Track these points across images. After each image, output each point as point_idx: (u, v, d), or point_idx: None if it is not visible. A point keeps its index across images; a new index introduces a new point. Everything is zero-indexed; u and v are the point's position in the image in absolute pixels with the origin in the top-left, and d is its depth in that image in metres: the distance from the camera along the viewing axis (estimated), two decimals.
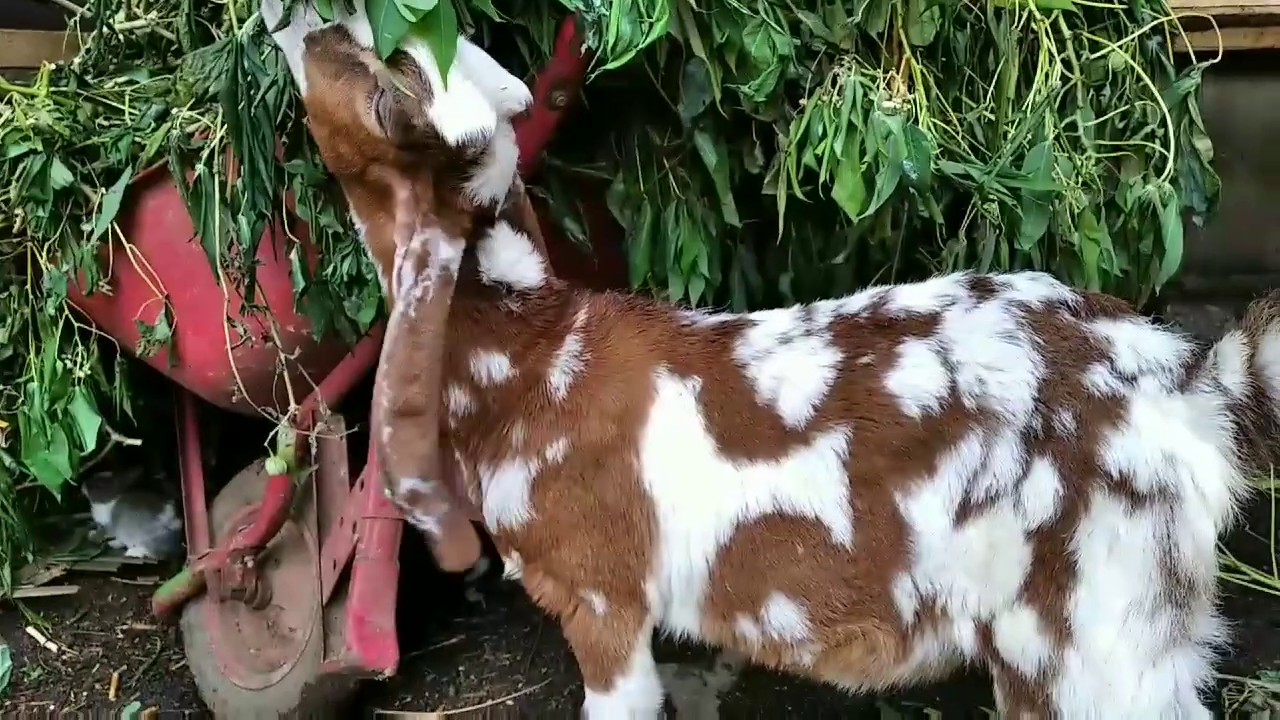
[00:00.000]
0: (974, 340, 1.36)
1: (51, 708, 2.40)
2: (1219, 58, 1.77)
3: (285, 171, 1.68)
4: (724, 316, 1.58)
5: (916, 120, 1.46)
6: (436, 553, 1.41)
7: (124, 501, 2.76)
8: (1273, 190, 2.75)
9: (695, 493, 1.48)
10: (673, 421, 1.48)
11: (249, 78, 1.59)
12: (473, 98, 1.33)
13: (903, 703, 2.03)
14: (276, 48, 1.52)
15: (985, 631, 1.38)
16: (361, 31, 1.34)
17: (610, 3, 1.45)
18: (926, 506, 1.37)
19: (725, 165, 1.67)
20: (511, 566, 1.65)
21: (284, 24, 1.38)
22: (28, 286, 2.10)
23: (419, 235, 1.36)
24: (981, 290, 1.41)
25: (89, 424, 2.07)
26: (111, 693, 2.43)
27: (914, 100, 1.47)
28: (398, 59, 1.32)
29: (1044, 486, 1.32)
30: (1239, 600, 2.06)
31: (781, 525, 1.43)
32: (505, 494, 1.56)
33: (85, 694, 2.44)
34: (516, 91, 1.42)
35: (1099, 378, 1.32)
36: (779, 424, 1.43)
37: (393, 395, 1.34)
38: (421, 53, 1.32)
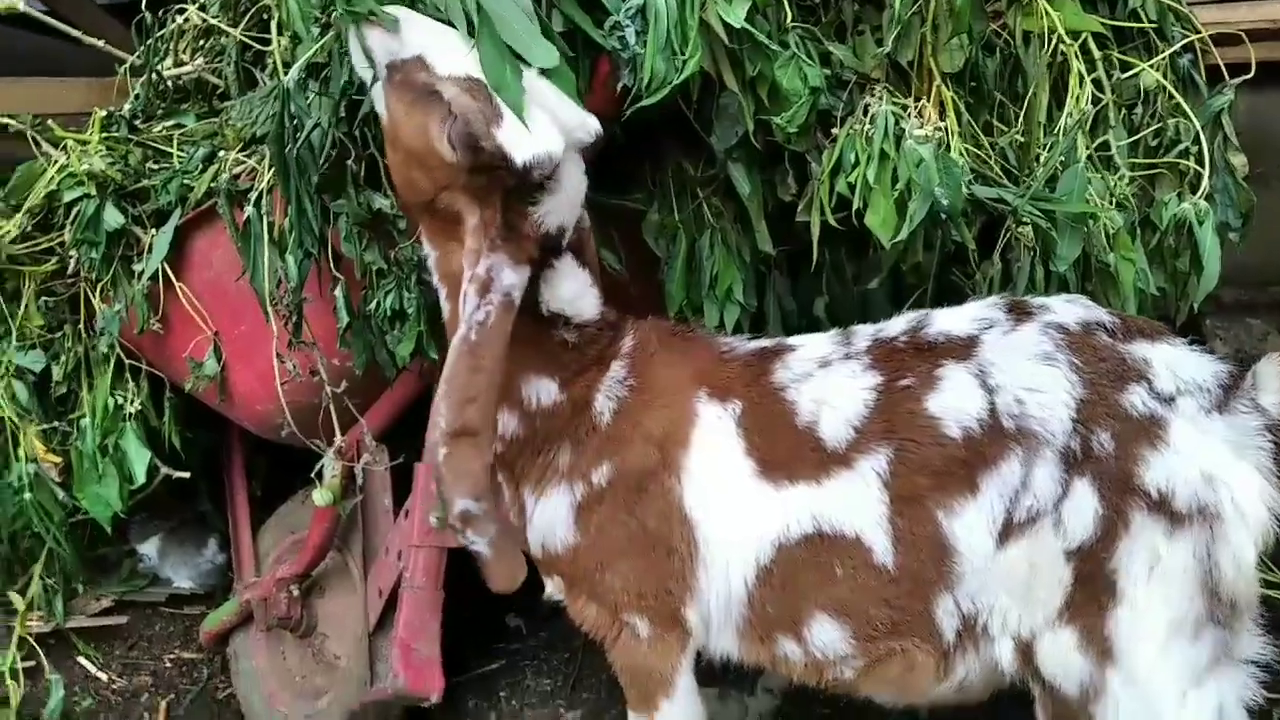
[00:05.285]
0: (1012, 362, 1.37)
1: None
2: (1252, 72, 1.77)
3: (330, 210, 1.73)
4: (763, 341, 1.60)
5: (948, 146, 1.48)
6: (486, 574, 1.43)
7: (169, 538, 2.80)
8: None
9: (735, 515, 1.49)
10: (713, 445, 1.50)
11: (295, 121, 1.64)
12: (541, 123, 1.37)
13: None
14: (360, 83, 1.55)
15: (1026, 651, 1.39)
16: (441, 61, 1.39)
17: (644, 41, 1.49)
18: (969, 526, 1.38)
19: (758, 194, 1.69)
20: (552, 588, 1.67)
21: (368, 55, 1.43)
22: (81, 326, 2.15)
23: (485, 260, 1.39)
24: (1019, 313, 1.42)
25: (139, 458, 2.12)
26: None
27: (945, 127, 1.49)
28: (469, 86, 1.37)
29: (1084, 506, 1.32)
30: None
31: (822, 546, 1.44)
32: (550, 518, 1.58)
33: None
34: (587, 123, 1.44)
35: (1137, 398, 1.33)
36: (819, 445, 1.44)
37: (450, 417, 1.36)
38: None
